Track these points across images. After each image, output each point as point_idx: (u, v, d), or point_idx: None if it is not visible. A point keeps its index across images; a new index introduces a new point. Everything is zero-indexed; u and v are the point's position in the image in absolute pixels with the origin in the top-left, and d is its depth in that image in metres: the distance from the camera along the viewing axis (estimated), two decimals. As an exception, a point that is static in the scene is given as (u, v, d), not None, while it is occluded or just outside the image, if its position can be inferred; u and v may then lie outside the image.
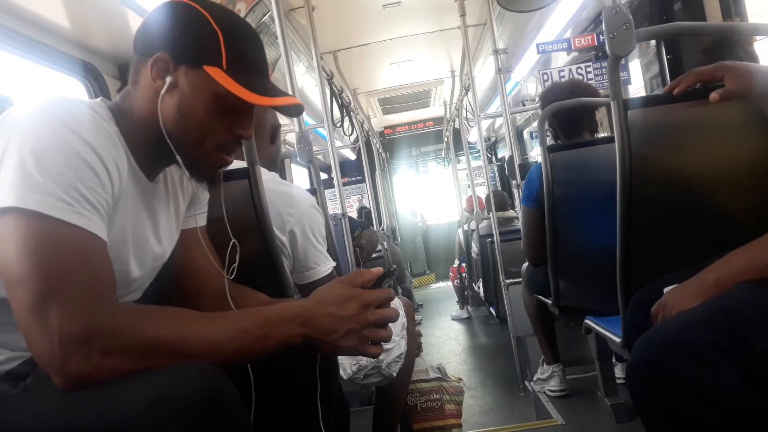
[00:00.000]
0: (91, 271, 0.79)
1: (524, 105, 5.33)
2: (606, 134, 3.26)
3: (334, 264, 1.61)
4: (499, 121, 7.00)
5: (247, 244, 1.39)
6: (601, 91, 3.22)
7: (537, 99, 3.08)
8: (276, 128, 1.73)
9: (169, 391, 0.73)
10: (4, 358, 0.87)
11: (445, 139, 9.19)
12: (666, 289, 1.07)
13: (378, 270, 0.99)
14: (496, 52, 3.41)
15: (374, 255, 4.99)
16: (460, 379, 2.72)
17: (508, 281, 3.47)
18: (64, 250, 0.77)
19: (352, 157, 8.16)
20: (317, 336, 0.92)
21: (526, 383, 3.23)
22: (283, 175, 5.42)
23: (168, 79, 0.94)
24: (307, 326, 0.91)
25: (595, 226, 1.84)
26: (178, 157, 0.97)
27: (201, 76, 0.94)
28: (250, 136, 1.02)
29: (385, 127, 9.68)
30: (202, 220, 1.21)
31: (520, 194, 2.61)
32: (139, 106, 0.97)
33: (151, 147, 0.98)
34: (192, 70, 0.94)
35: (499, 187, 8.55)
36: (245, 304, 1.12)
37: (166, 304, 0.88)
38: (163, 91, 0.94)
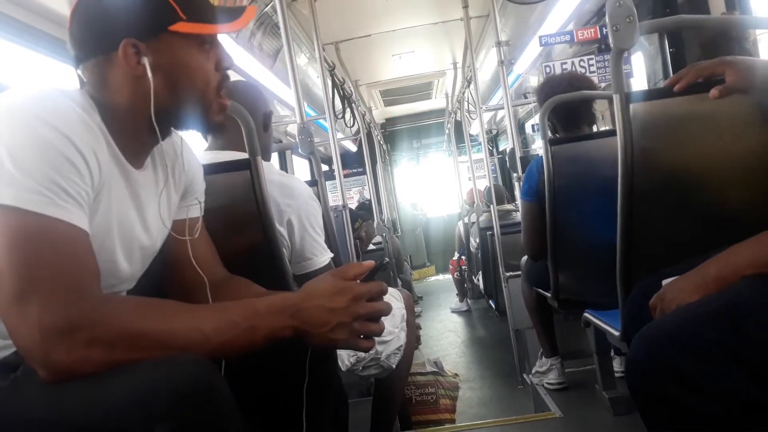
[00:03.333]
0: (72, 263, 0.79)
1: (526, 97, 5.33)
2: (607, 127, 3.26)
3: (331, 255, 1.61)
4: (501, 113, 6.98)
5: (248, 234, 1.40)
6: (602, 84, 3.23)
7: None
8: (268, 115, 1.71)
9: (161, 382, 0.73)
10: None
11: (447, 131, 9.18)
12: (665, 281, 1.07)
13: (370, 263, 0.99)
14: (498, 44, 3.40)
15: (374, 246, 5.00)
16: (456, 374, 2.74)
17: (507, 274, 3.47)
18: (42, 243, 0.77)
19: (353, 148, 8.15)
20: (306, 329, 0.91)
21: (525, 376, 3.24)
22: (284, 167, 5.40)
23: (145, 60, 0.93)
24: (296, 318, 0.91)
25: (595, 220, 1.84)
26: (190, 124, 0.99)
27: (171, 38, 0.94)
28: (233, 64, 1.04)
29: (387, 119, 9.66)
30: (198, 211, 1.20)
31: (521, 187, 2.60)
32: (122, 95, 0.95)
33: (140, 131, 0.98)
34: (159, 38, 0.94)
35: (500, 180, 8.55)
36: (242, 296, 1.11)
37: (161, 296, 0.88)
38: (149, 74, 0.93)
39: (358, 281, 0.97)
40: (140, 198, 1.02)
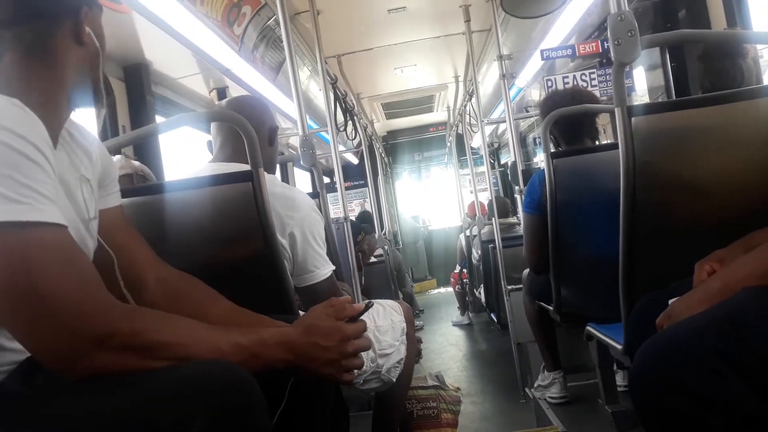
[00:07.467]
0: (73, 264, 0.80)
1: (528, 111, 5.35)
2: (609, 141, 3.26)
3: (333, 267, 1.60)
4: (503, 126, 7.00)
5: (250, 246, 1.40)
6: (603, 98, 3.24)
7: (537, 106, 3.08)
8: (274, 130, 1.72)
9: (200, 378, 0.78)
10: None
11: (448, 144, 9.20)
12: (671, 301, 1.07)
13: (360, 306, 1.09)
14: (500, 57, 3.41)
15: (375, 259, 4.99)
16: (459, 388, 2.71)
17: (509, 287, 3.46)
18: (37, 251, 0.76)
19: (355, 161, 8.17)
20: (300, 362, 0.99)
21: (527, 390, 3.21)
22: (285, 179, 5.40)
23: (87, 29, 0.98)
24: (293, 353, 0.98)
25: (597, 233, 1.83)
26: (104, 90, 1.02)
27: (97, 10, 1.02)
28: None
29: (388, 132, 9.69)
30: (117, 200, 1.16)
31: (523, 200, 2.60)
32: (63, 65, 0.96)
33: (63, 108, 0.98)
34: (93, 9, 1.00)
35: (502, 193, 8.55)
36: (204, 306, 1.14)
37: None
38: (96, 41, 0.99)
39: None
40: (69, 185, 0.97)
